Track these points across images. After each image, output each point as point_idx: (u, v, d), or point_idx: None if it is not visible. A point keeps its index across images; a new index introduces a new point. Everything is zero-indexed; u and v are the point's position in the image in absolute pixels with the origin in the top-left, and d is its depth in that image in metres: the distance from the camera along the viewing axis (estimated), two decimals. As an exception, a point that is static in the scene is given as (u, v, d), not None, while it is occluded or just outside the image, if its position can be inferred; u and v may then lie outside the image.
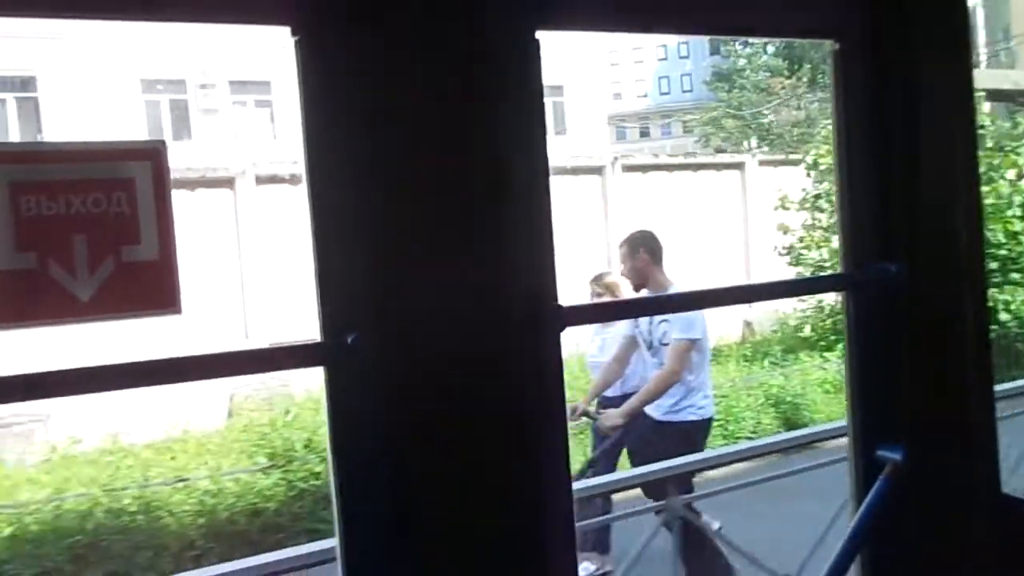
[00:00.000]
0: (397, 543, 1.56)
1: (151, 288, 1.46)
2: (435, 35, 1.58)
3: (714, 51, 49.34)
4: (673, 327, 6.29)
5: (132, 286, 1.44)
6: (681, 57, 52.69)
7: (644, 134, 50.46)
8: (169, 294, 1.47)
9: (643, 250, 6.51)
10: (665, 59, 53.15)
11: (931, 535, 1.99)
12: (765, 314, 17.88)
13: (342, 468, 1.55)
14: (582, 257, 17.20)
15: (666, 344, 6.36)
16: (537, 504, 1.66)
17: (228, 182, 16.10)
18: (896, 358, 2.00)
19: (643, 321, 6.53)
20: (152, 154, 1.47)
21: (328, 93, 1.52)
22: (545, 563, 1.66)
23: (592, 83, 28.95)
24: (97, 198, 1.42)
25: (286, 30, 1.53)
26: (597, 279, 7.56)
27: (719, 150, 35.35)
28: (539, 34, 1.64)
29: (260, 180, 16.27)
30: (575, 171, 18.98)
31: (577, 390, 7.66)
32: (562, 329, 1.67)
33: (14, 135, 21.10)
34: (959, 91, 2.03)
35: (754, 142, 36.29)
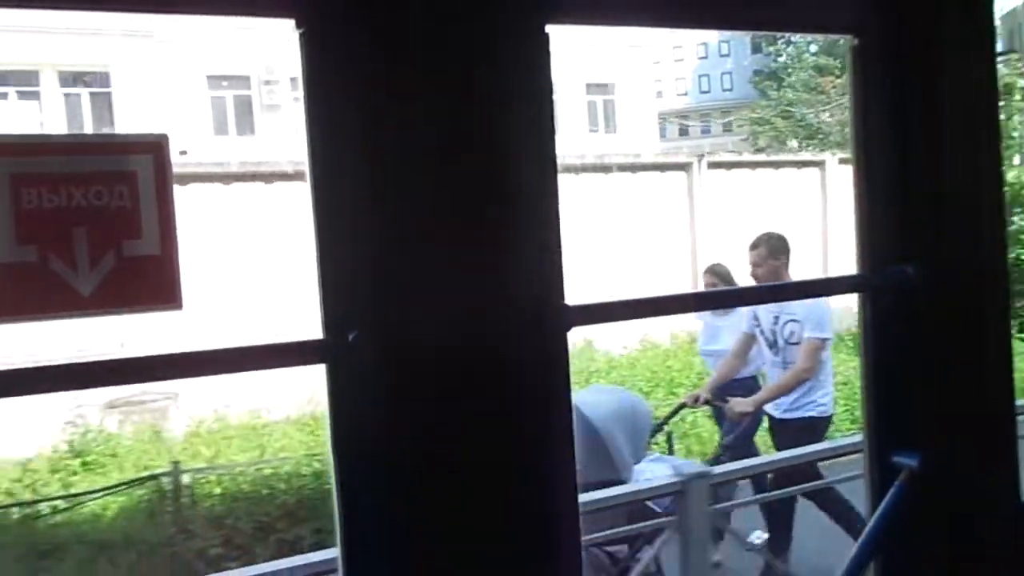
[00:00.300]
0: (399, 546, 1.48)
1: (152, 282, 1.38)
2: (443, 29, 1.49)
3: (755, 49, 48.50)
4: (804, 327, 6.10)
5: (133, 280, 1.37)
6: (722, 55, 51.78)
7: (683, 132, 49.63)
8: (170, 289, 1.39)
9: (783, 253, 6.38)
10: (705, 57, 52.21)
11: (947, 543, 1.87)
12: (837, 311, 17.72)
13: (344, 468, 1.46)
14: (675, 251, 17.27)
15: (794, 343, 6.17)
16: (543, 507, 1.56)
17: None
18: (913, 362, 1.88)
19: (764, 320, 6.37)
20: (154, 147, 1.39)
21: (333, 87, 1.44)
22: (551, 567, 1.57)
23: (642, 81, 28.61)
24: (98, 191, 1.35)
25: (290, 23, 1.44)
26: (711, 270, 7.40)
27: (759, 149, 34.69)
28: (549, 29, 1.54)
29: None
30: (663, 167, 18.87)
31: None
32: (568, 329, 1.57)
33: (88, 129, 21.30)
34: (983, 88, 1.90)
35: (795, 142, 35.51)
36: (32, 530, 9.69)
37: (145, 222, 1.37)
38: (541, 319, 1.54)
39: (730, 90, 50.79)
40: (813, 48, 40.28)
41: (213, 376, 1.50)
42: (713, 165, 19.33)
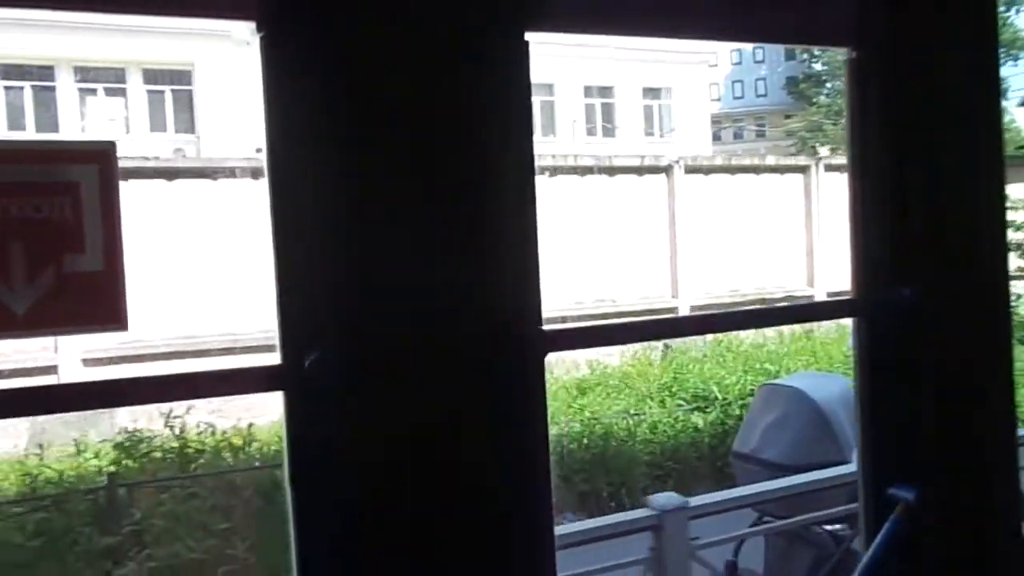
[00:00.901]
0: None
1: (95, 301, 1.19)
2: (416, 35, 1.28)
3: (789, 56, 47.40)
4: None
5: (74, 299, 1.18)
6: (756, 61, 50.62)
7: (716, 138, 48.12)
8: (114, 308, 1.20)
9: None
10: (739, 63, 51.04)
11: None
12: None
13: (301, 502, 1.26)
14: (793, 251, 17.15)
15: None
16: (518, 543, 1.35)
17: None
18: (910, 390, 1.63)
19: None
20: (100, 156, 1.20)
21: (294, 94, 1.24)
22: None
23: (696, 85, 28.02)
24: (38, 203, 1.17)
25: (251, 26, 1.25)
26: None
27: (790, 155, 33.71)
28: (529, 36, 1.33)
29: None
30: (781, 169, 18.72)
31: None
32: (544, 354, 1.36)
33: (169, 124, 21.37)
34: (985, 104, 1.65)
35: (825, 149, 34.47)
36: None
37: (89, 236, 1.19)
38: (517, 345, 1.33)
39: (764, 96, 49.65)
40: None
41: (162, 403, 1.31)
42: (830, 168, 19.07)
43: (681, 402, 12.39)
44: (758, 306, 16.38)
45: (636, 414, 11.87)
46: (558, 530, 5.07)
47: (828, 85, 39.36)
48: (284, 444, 1.27)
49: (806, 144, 37.80)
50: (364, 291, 1.26)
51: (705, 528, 4.69)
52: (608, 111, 26.40)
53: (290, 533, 1.27)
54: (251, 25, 1.25)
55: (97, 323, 1.20)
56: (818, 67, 42.14)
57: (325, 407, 1.24)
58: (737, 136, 47.75)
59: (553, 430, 11.14)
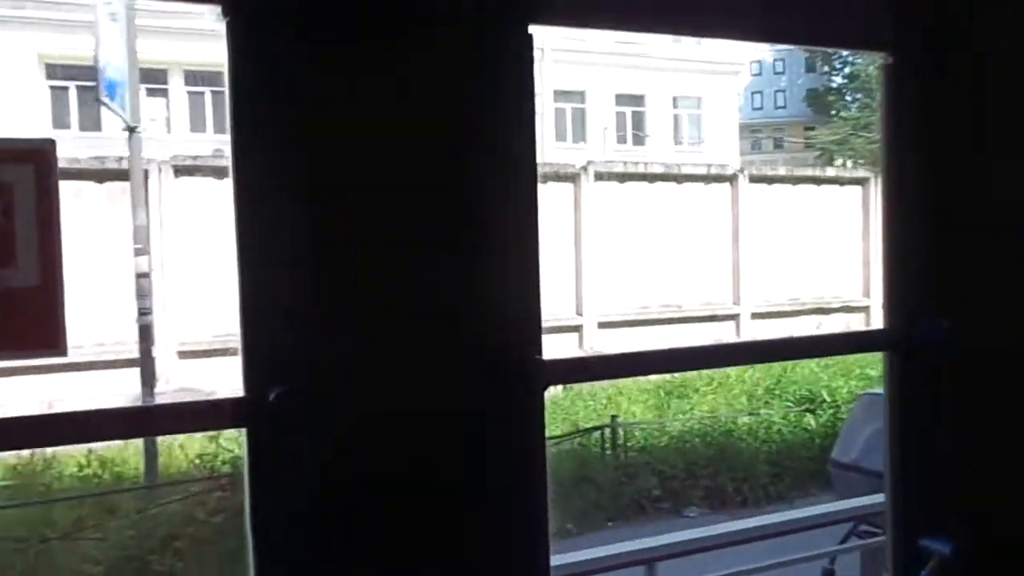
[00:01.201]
0: None
1: (27, 322, 1.00)
2: (412, 25, 1.09)
3: (810, 68, 46.65)
4: None
5: (3, 319, 0.99)
6: (776, 73, 49.87)
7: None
8: (51, 330, 1.01)
9: None
10: (759, 74, 50.23)
11: None
12: None
13: (264, 557, 1.06)
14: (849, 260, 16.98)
15: None
16: None
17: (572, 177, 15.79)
18: (947, 430, 1.41)
19: None
20: (36, 156, 1.01)
21: (262, 87, 1.05)
22: None
23: (726, 95, 27.64)
24: (-39, 208, 0.97)
25: (216, 9, 1.05)
26: None
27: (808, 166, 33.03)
28: (532, 29, 1.13)
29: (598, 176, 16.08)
30: (841, 181, 18.79)
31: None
32: (545, 387, 1.16)
33: (208, 125, 21.30)
34: None
35: (842, 161, 33.79)
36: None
37: (21, 247, 1.00)
38: (514, 376, 1.12)
39: (783, 108, 48.90)
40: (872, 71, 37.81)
41: (114, 440, 1.12)
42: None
43: (788, 404, 12.54)
44: (804, 314, 16.32)
45: (752, 413, 12.07)
46: (803, 512, 4.79)
47: (848, 98, 38.48)
48: (246, 483, 1.07)
49: (833, 157, 36.91)
50: (338, 317, 1.06)
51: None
52: (639, 119, 26.06)
53: (250, 568, 1.07)
54: (216, 9, 1.06)
55: (28, 347, 1.01)
56: (839, 80, 41.36)
57: (289, 448, 1.04)
58: (755, 147, 47.01)
59: (676, 425, 11.64)
